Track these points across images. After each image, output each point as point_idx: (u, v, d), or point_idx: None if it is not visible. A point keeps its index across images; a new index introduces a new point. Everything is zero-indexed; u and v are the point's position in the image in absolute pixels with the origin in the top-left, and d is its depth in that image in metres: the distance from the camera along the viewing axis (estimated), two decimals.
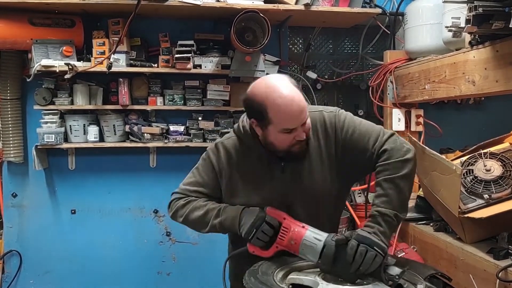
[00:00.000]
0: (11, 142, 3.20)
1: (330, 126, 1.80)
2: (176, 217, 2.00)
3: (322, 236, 1.64)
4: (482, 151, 2.47)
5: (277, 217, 1.71)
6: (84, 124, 3.20)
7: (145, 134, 3.21)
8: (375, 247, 1.56)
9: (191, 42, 3.12)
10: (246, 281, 1.59)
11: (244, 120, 1.85)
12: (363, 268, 1.55)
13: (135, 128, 3.20)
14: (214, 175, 1.90)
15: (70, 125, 3.18)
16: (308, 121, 1.71)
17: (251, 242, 1.71)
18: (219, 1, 3.00)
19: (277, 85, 1.66)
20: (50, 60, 2.97)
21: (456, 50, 2.57)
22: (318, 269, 1.68)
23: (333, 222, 1.95)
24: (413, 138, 2.70)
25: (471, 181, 2.37)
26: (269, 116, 1.66)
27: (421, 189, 2.90)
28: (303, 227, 1.67)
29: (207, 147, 3.27)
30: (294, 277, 1.65)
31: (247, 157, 1.84)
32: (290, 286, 1.61)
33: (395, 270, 1.57)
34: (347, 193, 2.03)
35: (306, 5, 3.06)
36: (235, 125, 1.91)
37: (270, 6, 3.03)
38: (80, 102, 3.14)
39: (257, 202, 1.79)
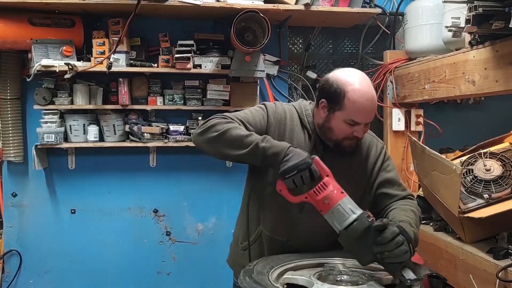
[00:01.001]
0: (11, 141, 3.20)
1: (375, 152, 1.91)
2: (208, 132, 1.75)
3: (358, 210, 1.59)
4: (482, 151, 2.47)
5: (321, 170, 1.62)
6: (84, 124, 3.20)
7: (145, 134, 3.21)
8: (410, 244, 1.55)
9: (191, 42, 3.12)
10: (241, 281, 1.57)
11: (303, 101, 1.94)
12: (390, 256, 1.52)
13: (135, 128, 3.20)
14: (264, 124, 1.84)
15: (70, 125, 3.18)
16: (369, 125, 1.80)
17: (284, 181, 1.62)
18: (219, 1, 3.00)
19: (363, 79, 1.74)
20: (50, 60, 2.97)
21: (456, 50, 2.57)
22: (314, 269, 1.68)
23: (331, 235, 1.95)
24: (413, 138, 2.70)
25: (471, 181, 2.37)
26: (344, 102, 1.71)
27: (421, 189, 2.90)
28: (342, 192, 1.61)
29: None
30: (289, 276, 1.65)
31: (298, 130, 1.85)
32: (285, 285, 1.61)
33: (410, 274, 1.54)
34: None
35: (306, 5, 3.06)
36: (295, 102, 1.95)
37: (270, 6, 3.03)
38: (80, 102, 3.14)
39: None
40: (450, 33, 2.31)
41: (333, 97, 1.73)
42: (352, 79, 1.73)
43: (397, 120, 3.25)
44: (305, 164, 1.59)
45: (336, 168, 1.70)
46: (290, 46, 3.65)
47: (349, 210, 1.58)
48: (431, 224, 2.78)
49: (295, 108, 1.90)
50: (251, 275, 1.59)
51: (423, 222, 2.83)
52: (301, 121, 1.87)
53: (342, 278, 1.63)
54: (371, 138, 1.95)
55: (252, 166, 1.95)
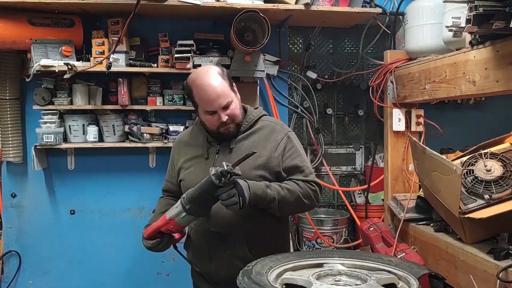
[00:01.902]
0: (10, 142, 3.20)
1: (276, 138, 2.07)
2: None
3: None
4: (482, 151, 2.47)
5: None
6: (83, 124, 3.20)
7: (145, 134, 3.20)
8: (240, 197, 1.81)
9: (191, 42, 3.11)
10: (240, 281, 1.58)
11: None
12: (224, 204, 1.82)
13: (135, 128, 3.19)
14: (173, 168, 2.25)
15: (69, 125, 3.17)
16: (233, 107, 1.99)
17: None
18: (218, 1, 2.99)
19: (201, 72, 2.01)
20: (50, 60, 2.97)
21: (457, 50, 2.56)
22: (313, 269, 1.69)
23: (250, 221, 2.08)
24: (413, 138, 2.69)
25: (472, 182, 2.36)
26: (195, 99, 2.01)
27: (421, 189, 2.90)
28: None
29: None
30: (288, 277, 1.65)
31: (195, 139, 2.17)
32: (284, 286, 1.61)
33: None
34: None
35: (306, 4, 3.05)
36: None
37: (270, 5, 3.02)
38: (80, 102, 3.14)
39: (193, 181, 1.96)
40: (451, 33, 2.29)
41: (189, 97, 2.06)
42: (194, 76, 2.02)
43: (397, 120, 3.24)
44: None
45: (233, 155, 2.01)
46: (290, 46, 3.64)
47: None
48: (431, 224, 2.77)
49: (195, 123, 2.24)
50: (250, 276, 1.59)
51: (423, 223, 2.83)
52: (197, 131, 2.18)
53: (341, 278, 1.63)
54: (271, 124, 2.12)
55: None
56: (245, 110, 2.12)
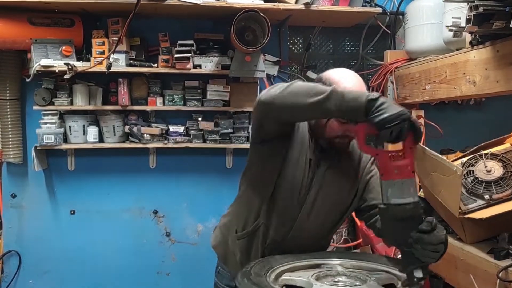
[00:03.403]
0: (10, 142, 3.20)
1: (365, 161, 1.88)
2: (272, 93, 1.59)
3: (416, 196, 1.49)
4: (482, 152, 2.47)
5: (410, 137, 1.47)
6: (83, 125, 3.19)
7: (145, 135, 3.20)
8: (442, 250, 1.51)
9: (191, 41, 3.11)
10: (239, 282, 1.56)
11: None
12: (423, 254, 1.46)
13: (135, 129, 3.19)
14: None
15: (69, 126, 3.17)
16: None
17: (381, 131, 1.42)
18: (219, 1, 2.99)
19: (354, 78, 1.77)
20: (50, 60, 2.96)
21: (457, 50, 2.56)
22: (312, 270, 1.67)
23: (328, 235, 1.98)
24: None
25: (472, 182, 2.36)
26: None
27: (421, 190, 2.90)
28: (413, 172, 1.48)
29: (207, 148, 3.30)
30: (287, 278, 1.64)
31: (305, 138, 1.83)
32: (284, 287, 1.60)
33: (419, 273, 1.50)
34: (339, 223, 1.99)
35: (306, 4, 3.05)
36: None
37: (270, 5, 3.02)
38: (80, 102, 3.13)
39: (287, 179, 1.78)
40: (451, 33, 2.29)
41: None
42: (343, 78, 1.75)
43: None
44: (407, 115, 1.42)
45: (335, 171, 1.79)
46: (290, 46, 3.64)
47: (410, 191, 1.47)
48: None
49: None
50: (249, 277, 1.58)
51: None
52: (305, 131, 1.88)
53: (340, 279, 1.63)
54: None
55: (264, 160, 1.84)
56: None
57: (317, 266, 1.74)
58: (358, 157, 1.89)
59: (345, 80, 1.74)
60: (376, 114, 1.42)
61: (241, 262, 1.89)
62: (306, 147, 1.81)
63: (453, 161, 2.50)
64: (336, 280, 1.61)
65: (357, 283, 1.57)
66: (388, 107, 1.42)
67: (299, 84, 1.56)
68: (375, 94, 1.45)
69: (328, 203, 1.85)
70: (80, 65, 3.00)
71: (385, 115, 1.40)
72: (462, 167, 2.38)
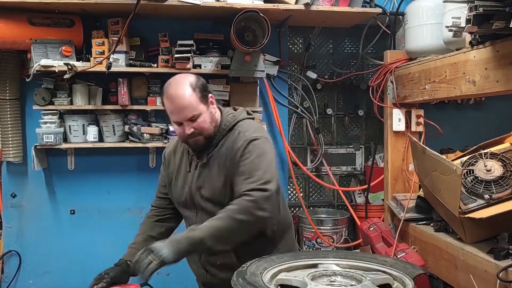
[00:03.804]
0: (10, 142, 3.20)
1: (235, 149, 1.95)
2: None
3: None
4: (482, 151, 2.47)
5: None
6: (83, 124, 3.20)
7: (145, 134, 3.20)
8: (153, 254, 1.83)
9: (191, 42, 3.11)
10: (234, 282, 1.57)
11: None
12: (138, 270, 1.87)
13: (135, 128, 3.19)
14: (164, 176, 2.24)
15: (69, 125, 3.17)
16: (200, 120, 1.91)
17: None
18: (218, 1, 2.99)
19: (171, 83, 1.94)
20: (50, 60, 2.97)
21: (457, 50, 2.56)
22: (308, 270, 1.70)
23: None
24: (414, 139, 2.69)
25: (472, 181, 2.36)
26: (165, 107, 1.96)
27: (421, 189, 2.90)
28: None
29: None
30: (283, 277, 1.65)
31: (178, 153, 2.13)
32: (279, 286, 1.61)
33: None
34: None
35: (306, 4, 3.05)
36: None
37: (270, 5, 3.02)
38: (80, 102, 3.14)
39: (176, 194, 2.09)
40: (451, 33, 2.29)
41: (163, 105, 2.00)
42: (167, 84, 1.95)
43: (397, 120, 3.24)
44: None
45: (208, 168, 1.97)
46: (290, 46, 3.64)
47: None
48: (431, 224, 2.77)
49: None
50: (245, 277, 1.59)
51: (423, 222, 2.83)
52: (181, 144, 2.12)
53: (336, 278, 1.64)
54: (238, 135, 1.98)
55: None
56: (220, 121, 2.01)
57: (314, 266, 1.75)
58: (230, 147, 1.97)
59: (165, 89, 1.95)
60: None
61: (192, 269, 2.31)
62: (184, 165, 2.08)
63: (453, 160, 2.50)
64: (331, 280, 1.62)
65: (353, 283, 1.58)
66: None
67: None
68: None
69: (209, 197, 1.99)
70: (80, 65, 3.00)
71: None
72: (462, 166, 2.38)
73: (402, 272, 1.69)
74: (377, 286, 1.56)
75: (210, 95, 1.99)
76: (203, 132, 1.93)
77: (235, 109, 2.11)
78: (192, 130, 1.91)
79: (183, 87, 1.90)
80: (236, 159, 1.92)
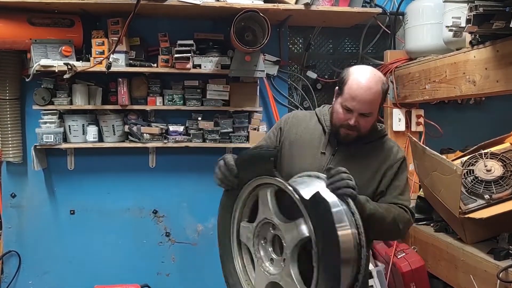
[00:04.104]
0: (10, 142, 3.20)
1: (393, 159, 1.94)
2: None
3: None
4: (482, 151, 2.47)
5: None
6: (83, 124, 3.19)
7: (145, 134, 3.20)
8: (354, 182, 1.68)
9: (191, 41, 3.11)
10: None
11: (324, 106, 2.09)
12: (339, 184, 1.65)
13: (135, 128, 3.19)
14: (273, 139, 2.08)
15: (69, 125, 3.17)
16: (369, 119, 1.87)
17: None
18: (218, 1, 2.99)
19: (368, 73, 1.86)
20: (49, 60, 2.96)
21: (457, 50, 2.56)
22: None
23: None
24: (414, 139, 2.69)
25: (472, 182, 2.36)
26: (344, 88, 1.87)
27: (421, 189, 2.90)
28: None
29: (206, 147, 3.30)
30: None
31: (314, 127, 2.02)
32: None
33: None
34: None
35: (306, 4, 3.05)
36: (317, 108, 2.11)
37: (270, 5, 3.02)
38: (79, 102, 3.13)
39: (300, 167, 1.91)
40: (451, 33, 2.30)
41: (340, 83, 1.91)
42: (358, 71, 1.88)
43: (397, 120, 3.25)
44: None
45: (351, 162, 1.88)
46: (290, 46, 3.64)
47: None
48: (431, 224, 2.77)
49: (315, 112, 2.08)
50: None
51: (423, 223, 2.83)
52: (319, 120, 2.02)
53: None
54: (392, 146, 1.98)
55: None
56: (375, 129, 1.99)
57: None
58: (383, 159, 1.94)
59: (358, 74, 1.86)
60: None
61: None
62: (316, 143, 1.97)
63: (453, 160, 2.50)
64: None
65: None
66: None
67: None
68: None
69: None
70: (80, 65, 3.00)
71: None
72: (462, 166, 2.38)
73: None
74: None
75: (384, 102, 1.97)
76: (362, 130, 1.89)
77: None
78: (356, 123, 1.86)
79: (378, 83, 1.85)
80: (394, 168, 1.93)
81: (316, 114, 2.05)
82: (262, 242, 1.74)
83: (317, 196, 1.51)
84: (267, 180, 1.68)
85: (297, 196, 1.54)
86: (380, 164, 1.93)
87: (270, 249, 1.72)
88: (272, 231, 1.71)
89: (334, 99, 1.95)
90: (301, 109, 3.60)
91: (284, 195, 1.63)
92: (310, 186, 1.67)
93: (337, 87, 1.94)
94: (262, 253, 1.74)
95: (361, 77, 1.84)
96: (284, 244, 1.62)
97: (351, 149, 1.93)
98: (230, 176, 1.76)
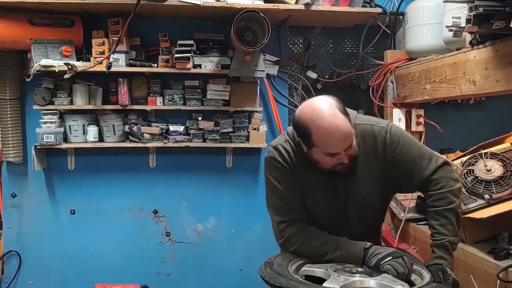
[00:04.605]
0: (10, 142, 3.20)
1: (381, 142, 1.86)
2: (287, 245, 1.89)
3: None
4: (482, 151, 2.47)
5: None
6: (83, 124, 3.19)
7: (145, 134, 3.20)
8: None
9: (191, 41, 3.11)
10: (262, 271, 1.66)
11: (285, 135, 1.94)
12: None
13: (135, 128, 3.19)
14: (292, 182, 1.89)
15: (69, 125, 3.17)
16: (354, 143, 1.76)
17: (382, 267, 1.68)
18: (219, 1, 2.99)
19: (322, 110, 1.70)
20: (50, 60, 2.96)
21: (457, 50, 2.56)
22: (331, 263, 1.76)
23: (375, 231, 2.12)
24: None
25: (472, 181, 2.36)
26: (313, 140, 1.72)
27: None
28: None
29: (207, 147, 3.30)
30: (307, 269, 1.73)
31: (306, 167, 1.86)
32: (303, 277, 1.69)
33: None
34: (388, 204, 2.16)
35: (306, 4, 3.05)
36: (289, 130, 1.93)
37: (270, 5, 3.02)
38: (80, 102, 3.13)
39: (317, 209, 1.90)
40: (451, 33, 2.30)
41: (303, 136, 1.77)
42: (313, 114, 1.71)
43: (397, 120, 3.25)
44: (398, 253, 1.72)
45: (353, 183, 1.85)
46: (290, 46, 3.64)
47: None
48: None
49: (292, 141, 1.90)
50: (272, 267, 1.68)
51: (423, 223, 2.83)
52: (302, 159, 1.87)
53: (358, 270, 1.69)
54: (370, 129, 1.88)
55: None
56: None
57: None
58: (373, 145, 1.87)
59: (316, 119, 1.70)
60: (372, 259, 1.73)
61: None
62: (313, 178, 1.87)
63: (453, 160, 2.50)
64: (353, 271, 1.67)
65: (374, 274, 1.63)
66: (377, 252, 1.73)
67: (304, 252, 1.84)
68: (368, 244, 1.77)
69: (360, 207, 1.91)
70: (80, 65, 3.00)
71: (375, 260, 1.71)
72: (462, 166, 2.38)
73: (420, 265, 1.78)
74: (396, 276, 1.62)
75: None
76: (355, 156, 1.79)
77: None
78: (347, 158, 1.75)
79: (336, 115, 1.69)
80: (388, 151, 1.85)
81: (297, 148, 1.88)
82: None
83: None
84: None
85: None
86: (375, 156, 1.87)
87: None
88: None
89: (306, 148, 1.80)
90: None
91: None
92: None
93: (300, 138, 1.80)
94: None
95: (324, 121, 1.68)
96: None
97: (350, 173, 1.85)
98: None
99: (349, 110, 1.84)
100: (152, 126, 3.24)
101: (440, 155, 1.93)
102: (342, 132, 1.69)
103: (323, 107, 1.71)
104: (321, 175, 1.85)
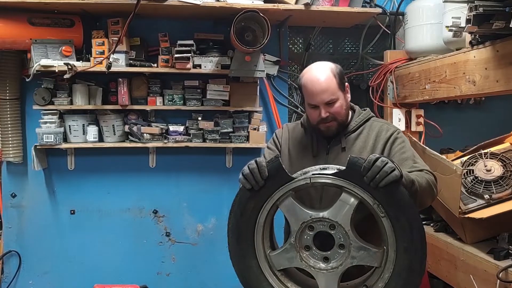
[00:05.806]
0: (10, 142, 3.20)
1: (385, 136, 1.98)
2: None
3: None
4: (482, 151, 2.47)
5: None
6: (83, 124, 3.19)
7: (145, 134, 3.20)
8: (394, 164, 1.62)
9: (191, 42, 3.11)
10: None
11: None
12: (379, 177, 1.59)
13: (135, 128, 3.19)
14: (275, 150, 2.11)
15: (69, 125, 3.17)
16: (337, 105, 1.92)
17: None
18: (218, 1, 2.99)
19: (314, 65, 2.00)
20: (50, 60, 2.97)
21: (457, 50, 2.56)
22: None
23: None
24: (413, 138, 2.69)
25: (472, 181, 2.36)
26: (302, 91, 1.99)
27: None
28: None
29: (206, 147, 3.30)
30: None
31: (301, 136, 2.09)
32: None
33: None
34: None
35: (306, 4, 3.05)
36: (305, 116, 2.14)
37: (270, 5, 3.02)
38: (80, 102, 3.13)
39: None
40: (451, 33, 2.30)
41: (299, 89, 2.05)
42: (307, 70, 1.99)
43: (397, 120, 3.25)
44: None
45: (342, 158, 1.90)
46: (290, 46, 3.64)
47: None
48: (431, 224, 2.77)
49: (300, 121, 2.15)
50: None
51: (423, 222, 2.83)
52: (304, 127, 2.10)
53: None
54: (382, 125, 2.01)
55: None
56: (353, 110, 2.07)
57: None
58: (376, 133, 1.98)
59: (306, 71, 1.98)
60: None
61: None
62: (309, 149, 2.02)
63: (453, 160, 2.51)
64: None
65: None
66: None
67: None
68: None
69: None
70: (80, 65, 3.00)
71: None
72: (462, 166, 2.38)
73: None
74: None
75: (346, 84, 2.01)
76: (337, 117, 1.94)
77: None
78: (327, 114, 1.92)
79: (324, 71, 1.94)
80: (390, 142, 1.95)
81: (301, 122, 2.12)
82: (305, 252, 1.72)
83: (350, 160, 1.62)
84: (291, 186, 1.71)
85: (331, 175, 1.65)
86: (374, 142, 1.96)
87: (317, 252, 1.70)
88: (310, 233, 1.70)
89: (305, 107, 2.02)
90: (301, 110, 3.60)
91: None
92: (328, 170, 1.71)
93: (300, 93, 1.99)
94: (311, 261, 1.71)
95: (310, 73, 1.94)
96: (340, 225, 1.65)
97: (342, 142, 1.98)
98: (258, 177, 1.72)
99: (367, 110, 2.07)
100: (152, 126, 3.24)
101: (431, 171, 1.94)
102: (322, 85, 1.91)
103: (317, 64, 2.01)
104: (315, 145, 2.01)
